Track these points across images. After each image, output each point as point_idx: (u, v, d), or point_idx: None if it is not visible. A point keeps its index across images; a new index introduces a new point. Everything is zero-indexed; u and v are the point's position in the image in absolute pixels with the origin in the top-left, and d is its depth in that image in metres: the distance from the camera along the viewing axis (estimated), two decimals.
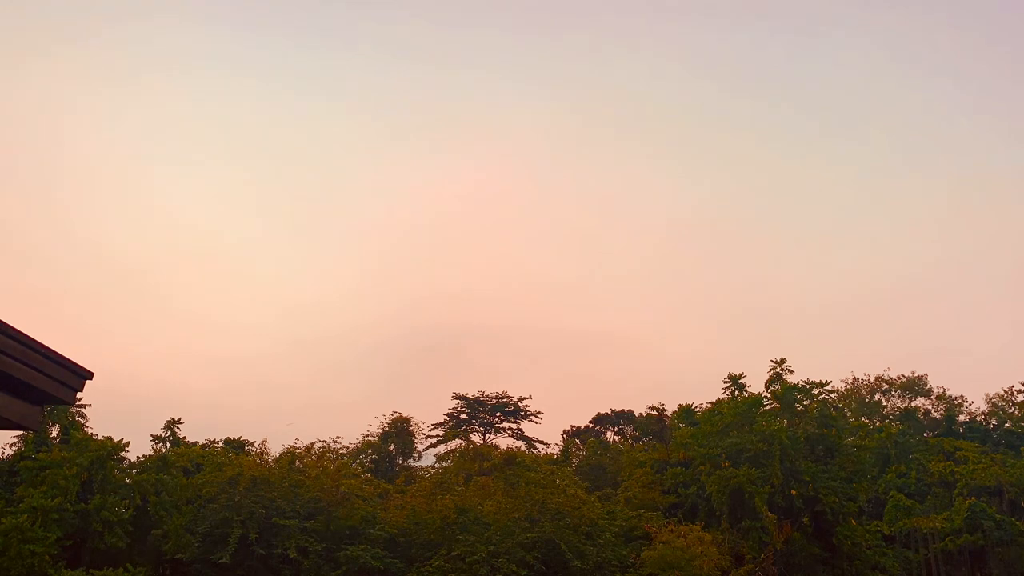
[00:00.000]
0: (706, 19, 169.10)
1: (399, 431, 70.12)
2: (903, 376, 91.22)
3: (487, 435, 65.83)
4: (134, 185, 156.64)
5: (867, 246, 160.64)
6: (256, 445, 63.33)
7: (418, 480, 60.04)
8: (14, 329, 5.81)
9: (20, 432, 46.37)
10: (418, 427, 69.98)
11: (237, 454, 54.90)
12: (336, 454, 56.89)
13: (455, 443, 63.15)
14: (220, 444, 61.91)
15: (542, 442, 67.79)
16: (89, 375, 6.60)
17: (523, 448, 62.73)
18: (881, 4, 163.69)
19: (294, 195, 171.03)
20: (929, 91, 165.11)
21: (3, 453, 49.31)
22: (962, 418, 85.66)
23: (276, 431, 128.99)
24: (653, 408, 73.36)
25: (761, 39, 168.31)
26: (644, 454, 60.25)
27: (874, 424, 79.43)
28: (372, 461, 68.87)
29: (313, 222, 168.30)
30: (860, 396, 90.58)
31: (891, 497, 59.43)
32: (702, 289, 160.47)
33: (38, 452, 44.46)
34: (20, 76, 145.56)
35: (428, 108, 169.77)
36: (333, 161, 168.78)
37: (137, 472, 46.74)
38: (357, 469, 61.83)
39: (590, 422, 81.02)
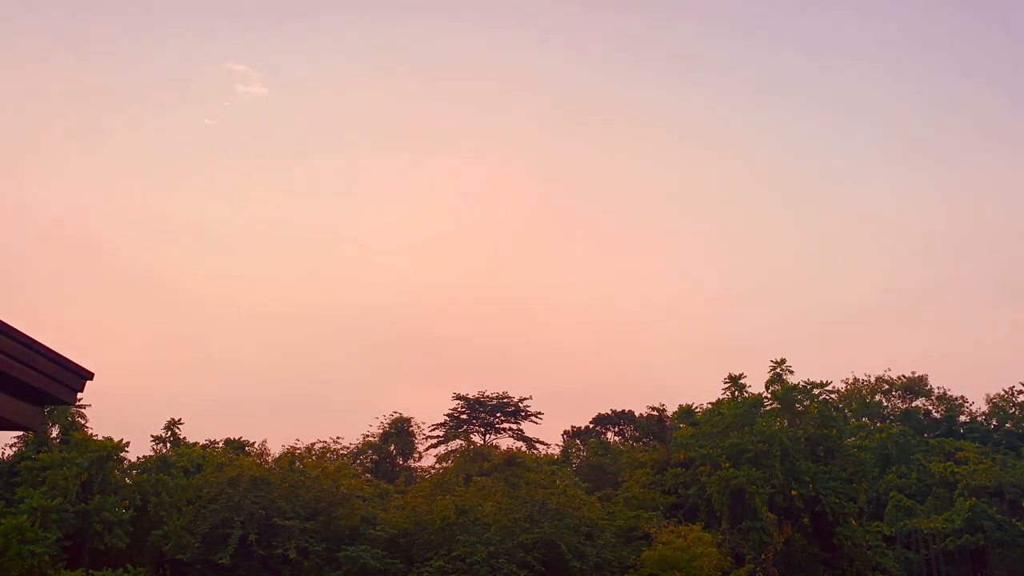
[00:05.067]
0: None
1: (399, 431, 70.06)
2: (903, 376, 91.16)
3: (487, 435, 65.69)
4: (133, 181, 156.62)
5: (866, 247, 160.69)
6: (256, 445, 63.40)
7: (418, 480, 59.99)
8: (14, 329, 5.79)
9: (20, 432, 46.47)
10: (418, 427, 69.93)
11: (237, 454, 54.87)
12: (336, 454, 56.91)
13: (455, 443, 63.04)
14: (220, 444, 61.91)
15: (542, 443, 67.64)
16: (89, 375, 6.58)
17: (523, 449, 62.59)
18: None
19: (296, 192, 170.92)
20: (919, 101, 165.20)
21: (3, 453, 49.31)
22: (963, 418, 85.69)
23: (277, 430, 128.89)
24: (653, 408, 73.22)
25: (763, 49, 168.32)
26: (644, 454, 60.22)
27: (875, 424, 79.45)
28: (372, 461, 68.82)
29: (314, 220, 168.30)
30: (860, 396, 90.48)
31: (892, 497, 59.46)
32: (704, 288, 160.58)
33: (38, 452, 44.40)
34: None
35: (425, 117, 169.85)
36: (341, 162, 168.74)
37: (137, 472, 46.71)
38: (357, 469, 61.79)
39: (590, 422, 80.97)
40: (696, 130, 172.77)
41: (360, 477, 54.55)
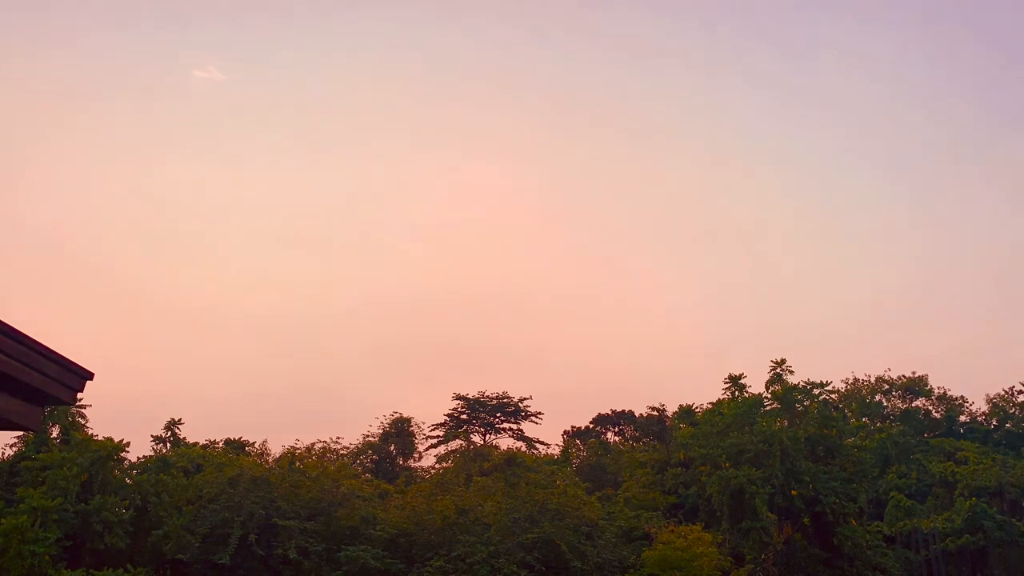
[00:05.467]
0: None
1: (399, 431, 70.08)
2: (903, 376, 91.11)
3: (487, 435, 65.69)
4: (127, 177, 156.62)
5: (868, 247, 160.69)
6: (256, 445, 63.46)
7: (418, 480, 60.00)
8: (14, 329, 5.80)
9: (20, 432, 46.45)
10: (418, 427, 69.97)
11: (237, 454, 54.90)
12: (336, 454, 56.92)
13: (455, 443, 63.07)
14: (220, 444, 61.92)
15: (543, 442, 67.62)
16: (89, 375, 6.58)
17: (523, 448, 62.58)
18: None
19: (294, 191, 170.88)
20: (927, 101, 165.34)
21: (3, 454, 49.29)
22: (963, 418, 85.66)
23: (277, 430, 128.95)
24: (653, 408, 73.37)
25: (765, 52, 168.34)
26: (644, 454, 60.25)
27: (875, 424, 79.47)
28: (372, 461, 68.86)
29: (313, 221, 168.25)
30: (860, 396, 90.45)
31: (892, 498, 59.47)
32: (704, 289, 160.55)
33: (38, 452, 44.41)
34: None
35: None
36: (336, 157, 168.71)
37: (137, 473, 46.72)
38: (357, 469, 61.83)
39: (590, 422, 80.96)
40: (701, 134, 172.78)
41: (360, 477, 54.57)
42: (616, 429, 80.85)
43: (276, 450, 59.04)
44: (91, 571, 37.93)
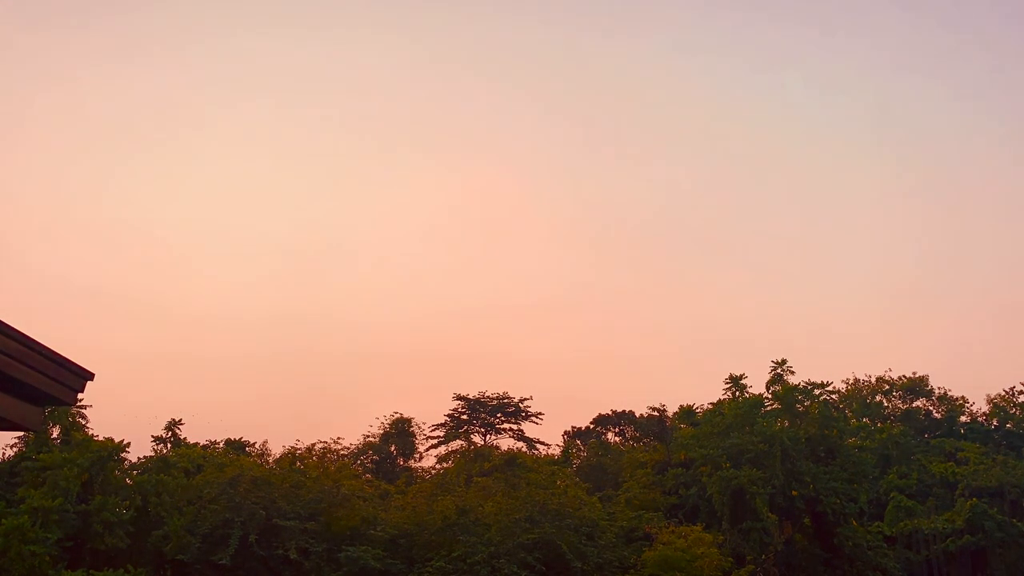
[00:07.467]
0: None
1: (400, 432, 70.11)
2: (904, 377, 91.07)
3: (488, 436, 65.72)
4: (131, 179, 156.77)
5: (868, 245, 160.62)
6: (257, 446, 63.49)
7: (419, 481, 60.04)
8: (14, 329, 5.80)
9: (21, 433, 46.45)
10: (419, 428, 70.01)
11: (238, 455, 54.92)
12: (337, 455, 56.90)
13: (456, 444, 63.13)
14: (221, 445, 61.92)
15: (543, 443, 67.62)
16: (90, 376, 6.59)
17: (524, 449, 62.64)
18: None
19: (296, 190, 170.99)
20: (912, 90, 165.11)
21: (4, 454, 49.32)
22: (963, 419, 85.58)
23: (278, 431, 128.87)
24: (654, 409, 73.35)
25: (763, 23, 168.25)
26: (645, 455, 60.28)
27: (875, 425, 79.41)
28: (373, 462, 68.88)
29: (314, 220, 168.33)
30: (861, 397, 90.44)
31: (892, 498, 59.42)
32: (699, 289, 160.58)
33: (39, 453, 44.41)
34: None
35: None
36: (340, 165, 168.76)
37: (138, 473, 46.74)
38: (358, 470, 61.84)
39: (591, 423, 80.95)
40: (706, 125, 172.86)
41: (361, 477, 54.58)
42: (616, 429, 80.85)
43: (276, 450, 59.14)
44: (91, 571, 37.94)
